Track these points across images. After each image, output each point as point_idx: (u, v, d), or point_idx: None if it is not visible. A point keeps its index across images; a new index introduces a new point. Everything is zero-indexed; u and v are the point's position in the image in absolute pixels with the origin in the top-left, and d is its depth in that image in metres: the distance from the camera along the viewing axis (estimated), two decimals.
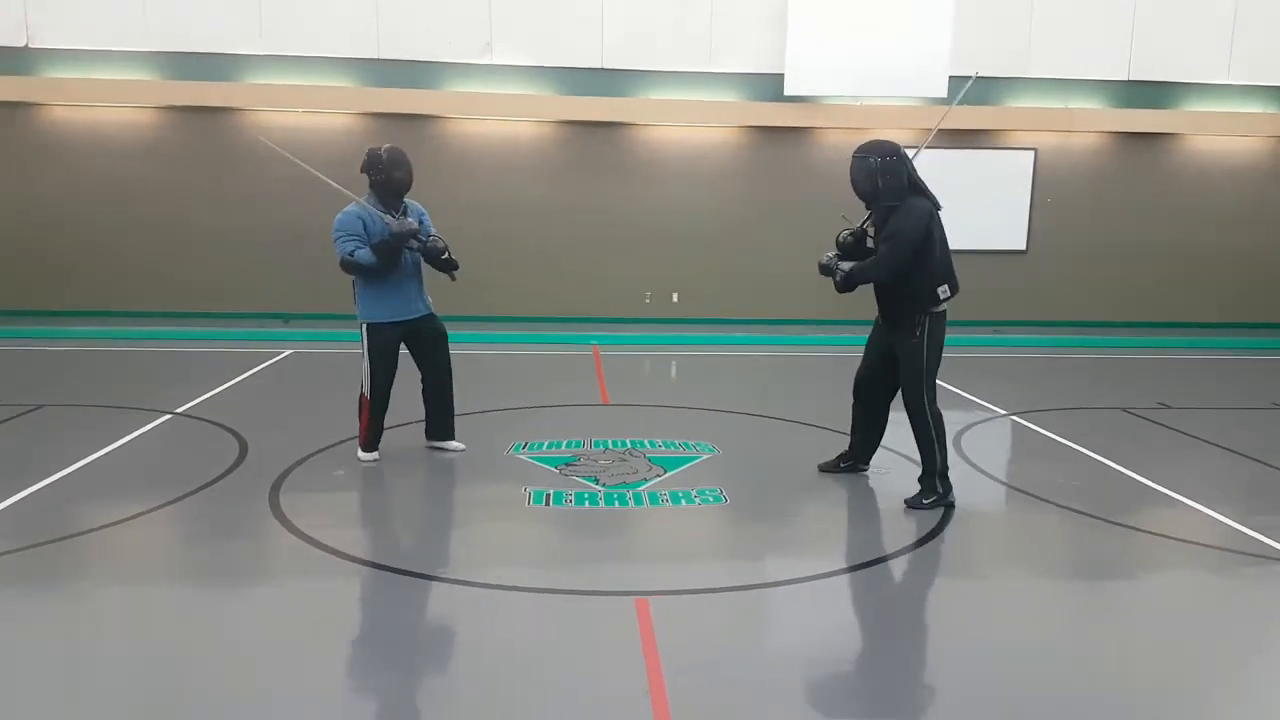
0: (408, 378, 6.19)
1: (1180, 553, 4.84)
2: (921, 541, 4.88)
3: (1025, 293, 13.37)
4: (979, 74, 4.90)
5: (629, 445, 6.56)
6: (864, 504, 5.57)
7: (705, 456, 6.35)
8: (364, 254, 5.69)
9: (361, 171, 5.84)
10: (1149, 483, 5.93)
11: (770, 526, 5.16)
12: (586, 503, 5.36)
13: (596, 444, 6.57)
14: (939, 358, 5.28)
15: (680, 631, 3.77)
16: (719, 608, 4.08)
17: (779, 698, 3.32)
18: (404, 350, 6.12)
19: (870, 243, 5.46)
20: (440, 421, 6.35)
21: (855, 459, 5.88)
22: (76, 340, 10.78)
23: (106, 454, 6.13)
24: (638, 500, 5.41)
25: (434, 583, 4.28)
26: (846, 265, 5.30)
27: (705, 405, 7.95)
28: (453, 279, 6.11)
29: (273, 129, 12.00)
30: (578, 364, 9.99)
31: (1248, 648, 3.84)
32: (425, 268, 6.07)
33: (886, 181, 5.14)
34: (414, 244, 5.80)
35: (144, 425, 6.86)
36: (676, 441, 6.67)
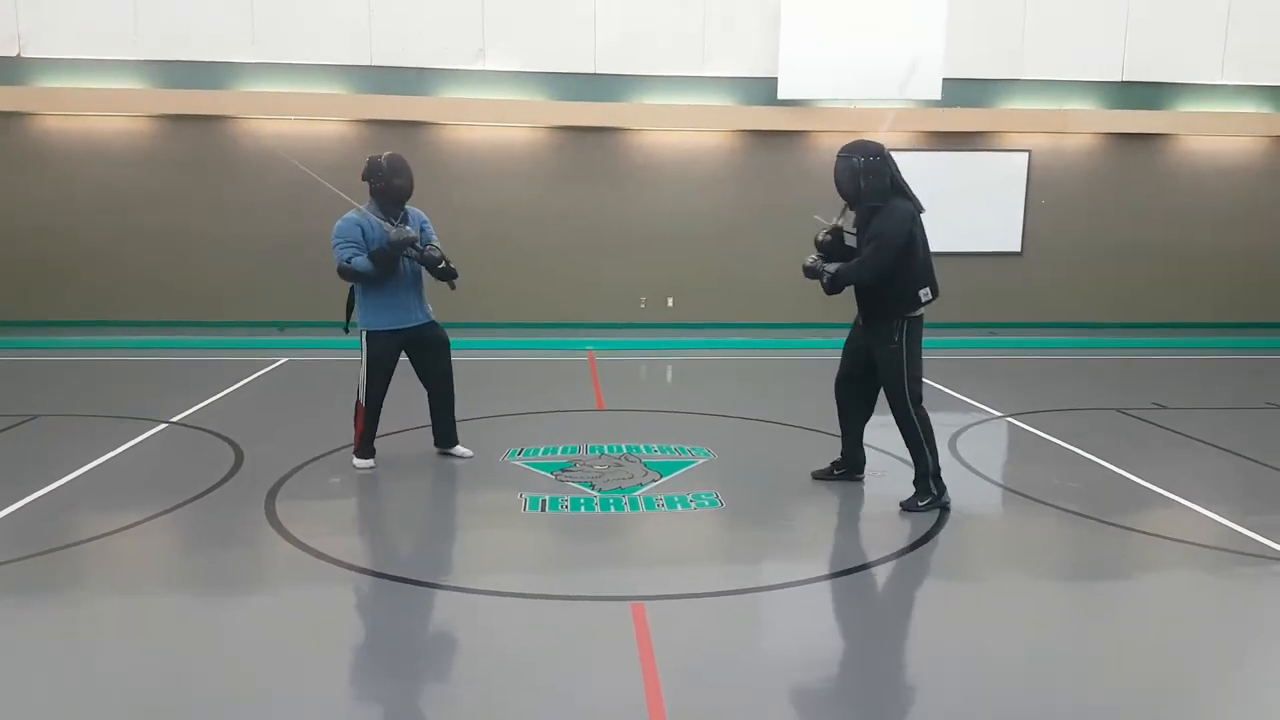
0: (400, 385, 6.18)
1: (1177, 553, 4.84)
2: (917, 544, 4.88)
3: (1020, 294, 13.39)
4: (917, 63, 4.91)
5: (624, 450, 6.56)
6: (859, 507, 5.57)
7: (701, 461, 6.34)
8: (361, 261, 5.67)
9: (362, 179, 5.83)
10: (1145, 483, 5.94)
11: (766, 530, 5.16)
12: (582, 508, 5.35)
13: (592, 449, 6.57)
14: (919, 361, 5.29)
15: (676, 636, 3.77)
16: (715, 612, 4.07)
17: (775, 702, 3.32)
18: (404, 358, 6.10)
19: (851, 241, 5.46)
20: (447, 429, 6.33)
21: (849, 467, 5.88)
22: (71, 350, 10.75)
23: (102, 463, 6.11)
24: (633, 505, 5.41)
25: (430, 589, 4.27)
26: (832, 267, 5.29)
27: (700, 410, 7.95)
28: (452, 288, 6.05)
29: (266, 136, 12.01)
30: (573, 369, 9.98)
31: (1245, 647, 3.84)
32: (426, 276, 6.05)
33: (869, 182, 5.15)
34: (411, 252, 5.79)
35: (140, 434, 6.85)
36: (672, 446, 6.67)
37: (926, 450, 5.27)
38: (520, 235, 12.66)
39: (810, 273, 5.39)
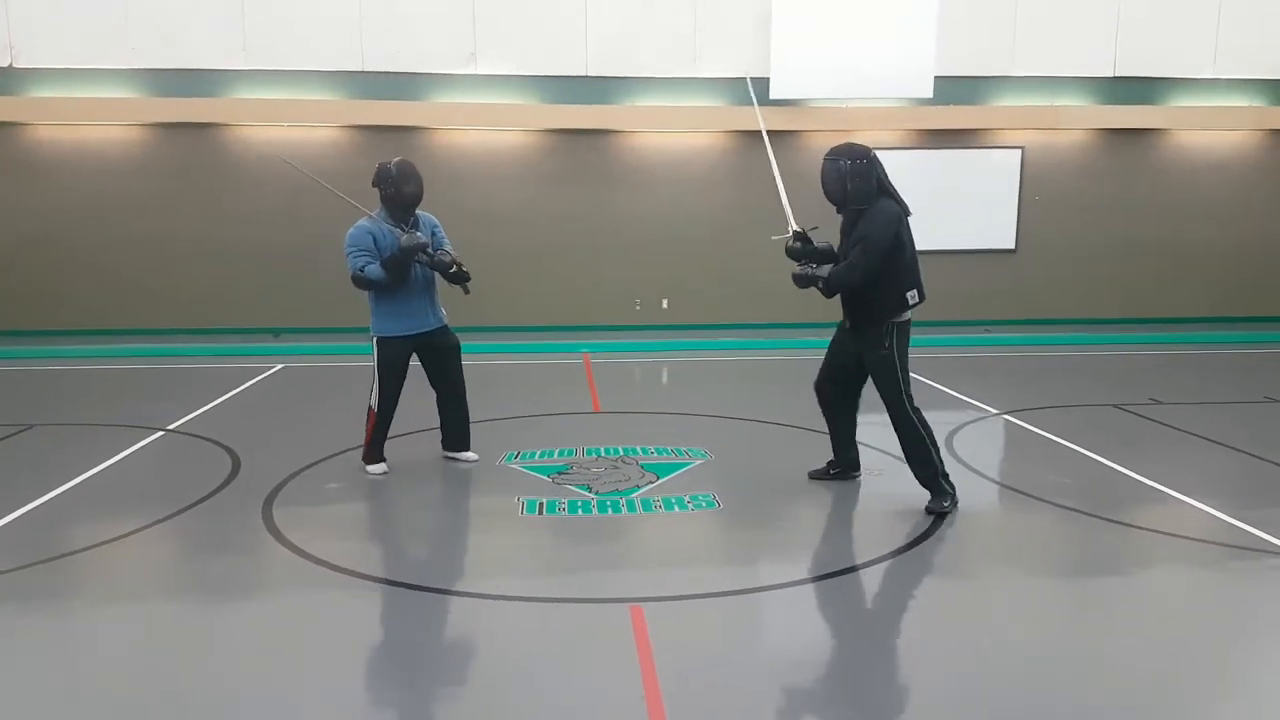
0: (408, 390, 6.17)
1: (1175, 548, 4.84)
2: (915, 543, 4.88)
3: (1015, 291, 13.40)
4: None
5: (621, 452, 6.55)
6: (857, 506, 5.57)
7: (698, 462, 6.34)
8: (374, 269, 5.67)
9: (372, 185, 5.82)
10: (1142, 479, 5.94)
11: (764, 531, 5.16)
12: (580, 511, 5.34)
13: (589, 452, 6.57)
14: (907, 363, 5.28)
15: (675, 637, 3.77)
16: (714, 613, 4.07)
17: (775, 702, 3.32)
18: (414, 363, 6.07)
19: (833, 245, 5.46)
20: (455, 433, 6.33)
21: (844, 467, 5.88)
22: (67, 359, 10.73)
23: (99, 472, 6.10)
24: (631, 507, 5.40)
25: (427, 594, 4.26)
26: (824, 270, 5.28)
27: (697, 411, 7.95)
28: (466, 291, 6.03)
29: (259, 144, 12.00)
30: (568, 372, 9.98)
31: (1243, 642, 3.85)
32: (439, 280, 6.03)
33: (856, 185, 5.14)
34: (422, 258, 5.78)
35: (136, 442, 6.83)
36: (669, 448, 6.67)
37: (932, 451, 5.26)
38: (514, 239, 12.65)
39: (801, 280, 5.34)
